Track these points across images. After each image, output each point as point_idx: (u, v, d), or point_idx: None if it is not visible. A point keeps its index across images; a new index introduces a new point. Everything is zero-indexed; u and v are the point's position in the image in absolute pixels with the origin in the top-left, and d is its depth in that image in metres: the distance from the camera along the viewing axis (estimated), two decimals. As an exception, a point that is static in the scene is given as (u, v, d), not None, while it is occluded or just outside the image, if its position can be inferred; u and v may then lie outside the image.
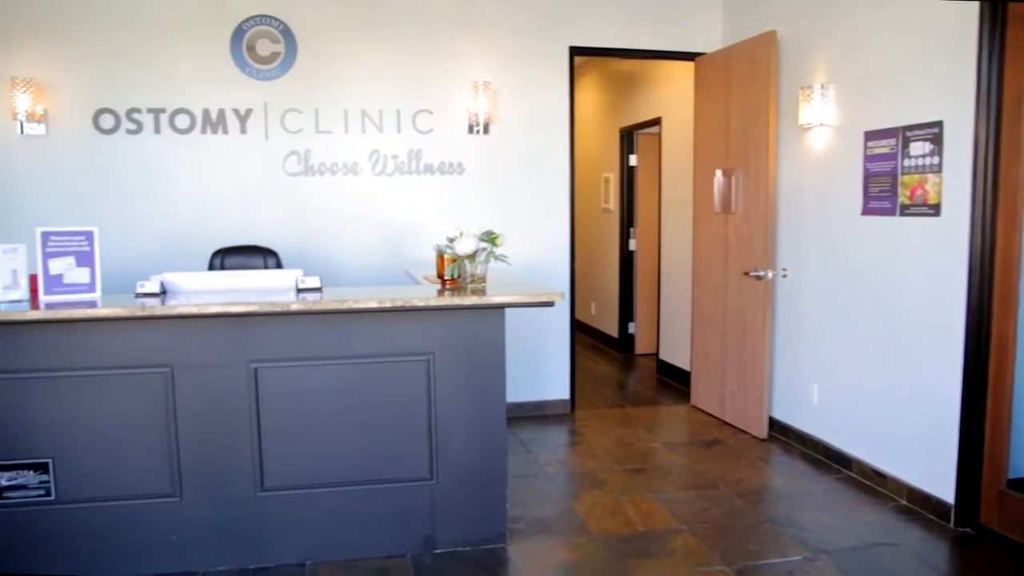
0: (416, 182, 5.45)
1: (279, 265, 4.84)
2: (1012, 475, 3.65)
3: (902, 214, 4.04)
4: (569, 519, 3.93)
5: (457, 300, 3.38)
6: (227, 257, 4.81)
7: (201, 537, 3.36)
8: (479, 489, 3.56)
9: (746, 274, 5.18)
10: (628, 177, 7.94)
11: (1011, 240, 3.55)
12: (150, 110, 5.05)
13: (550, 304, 3.36)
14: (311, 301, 3.21)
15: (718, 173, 5.50)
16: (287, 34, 5.18)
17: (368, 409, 3.45)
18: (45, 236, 3.27)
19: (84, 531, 3.28)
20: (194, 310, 3.09)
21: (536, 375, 5.76)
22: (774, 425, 5.20)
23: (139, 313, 3.07)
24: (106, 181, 5.03)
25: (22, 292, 3.23)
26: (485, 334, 3.50)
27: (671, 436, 5.32)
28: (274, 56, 5.17)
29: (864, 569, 3.40)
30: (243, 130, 5.19)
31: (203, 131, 5.13)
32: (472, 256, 3.53)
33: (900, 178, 4.04)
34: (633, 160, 7.88)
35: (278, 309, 3.15)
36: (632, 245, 7.97)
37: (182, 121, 5.09)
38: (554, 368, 5.82)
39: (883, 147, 4.15)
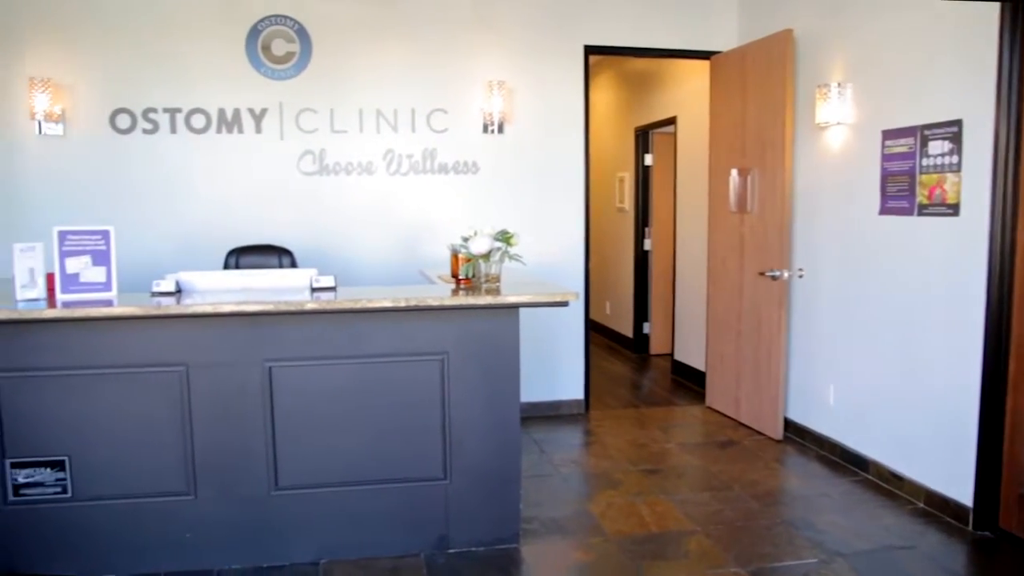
0: (431, 181, 5.45)
1: (294, 264, 4.85)
2: (1032, 478, 3.61)
3: (920, 214, 4.00)
4: (583, 520, 3.92)
5: (471, 300, 3.37)
6: (242, 256, 4.83)
7: (216, 535, 3.38)
8: (493, 489, 3.56)
9: (762, 274, 5.15)
10: (643, 176, 7.91)
11: (1031, 240, 3.51)
12: (166, 110, 5.07)
13: (564, 304, 3.35)
14: (325, 300, 3.21)
15: (734, 172, 5.46)
16: (302, 34, 5.19)
17: (382, 409, 3.45)
18: (62, 235, 3.29)
19: (100, 528, 3.30)
20: (209, 309, 3.10)
21: (550, 375, 5.74)
22: (789, 426, 5.17)
23: (154, 312, 3.08)
24: (122, 181, 5.06)
25: (39, 291, 3.24)
26: (499, 334, 3.49)
27: (686, 437, 5.30)
28: (289, 56, 5.19)
29: (881, 573, 3.37)
30: (258, 130, 5.20)
31: (218, 131, 5.15)
32: (486, 256, 3.52)
33: (918, 177, 4.00)
34: (648, 159, 7.85)
35: (292, 308, 3.16)
36: (647, 245, 7.95)
37: (198, 121, 5.11)
38: (568, 368, 5.80)
39: (901, 146, 4.11)
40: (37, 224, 4.74)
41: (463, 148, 5.48)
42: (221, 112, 5.14)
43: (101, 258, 3.32)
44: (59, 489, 3.25)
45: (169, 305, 3.10)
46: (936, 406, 3.95)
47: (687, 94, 6.74)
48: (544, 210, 5.61)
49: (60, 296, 3.25)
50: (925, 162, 3.95)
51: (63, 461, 3.25)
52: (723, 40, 5.76)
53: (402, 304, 3.25)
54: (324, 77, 5.25)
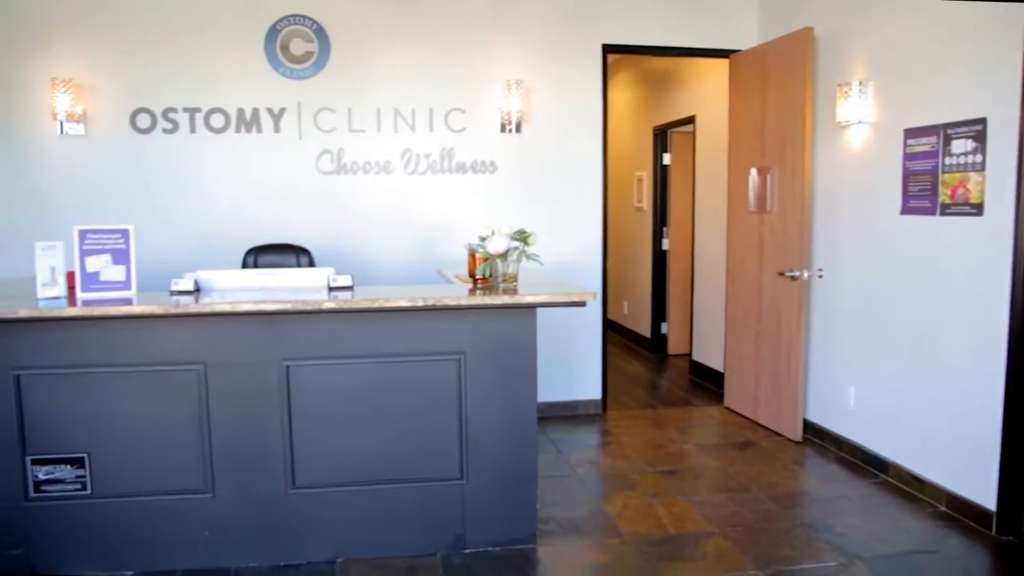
0: (448, 181, 5.45)
1: (311, 263, 4.86)
2: (1056, 482, 3.57)
3: (943, 213, 3.96)
4: (600, 520, 3.90)
5: (489, 299, 3.37)
6: (260, 255, 4.85)
7: (233, 533, 3.39)
8: (509, 489, 3.55)
9: (781, 274, 5.11)
10: (661, 176, 7.88)
11: (1057, 241, 3.46)
12: (186, 109, 5.10)
13: (582, 304, 3.34)
14: (343, 300, 3.21)
15: (753, 172, 5.43)
16: (320, 33, 5.20)
17: (399, 408, 3.45)
18: (82, 234, 3.31)
19: (119, 525, 3.32)
20: (227, 308, 3.12)
21: (568, 375, 5.73)
22: (809, 428, 5.12)
23: (173, 311, 3.10)
24: (142, 180, 5.10)
25: (60, 289, 3.27)
26: (516, 333, 3.48)
27: (703, 438, 5.27)
28: (307, 55, 5.20)
29: (902, 576, 3.33)
30: (276, 129, 5.22)
31: (237, 130, 5.17)
32: (504, 255, 3.51)
33: (941, 176, 3.95)
34: (667, 159, 7.82)
35: (310, 307, 3.17)
36: (665, 244, 7.91)
37: (217, 120, 5.14)
38: (586, 368, 5.79)
39: (923, 145, 4.06)
40: (58, 223, 4.78)
41: (481, 147, 5.47)
42: (240, 112, 5.16)
43: (121, 257, 3.34)
44: (79, 486, 3.28)
45: (188, 304, 3.11)
46: (959, 408, 3.90)
47: (706, 93, 6.70)
48: (562, 209, 5.59)
49: (80, 294, 3.27)
50: (948, 161, 3.90)
51: (83, 458, 3.27)
52: (743, 39, 5.72)
53: (419, 304, 3.25)
54: (342, 76, 5.26)
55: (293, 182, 5.27)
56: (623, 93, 8.72)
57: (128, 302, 3.16)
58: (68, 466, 3.27)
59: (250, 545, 3.40)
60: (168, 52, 5.06)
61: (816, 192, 5.01)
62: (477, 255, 3.60)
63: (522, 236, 3.53)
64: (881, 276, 4.44)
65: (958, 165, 3.84)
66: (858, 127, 4.60)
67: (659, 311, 8.02)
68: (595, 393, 5.83)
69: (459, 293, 3.49)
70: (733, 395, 5.86)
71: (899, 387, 4.31)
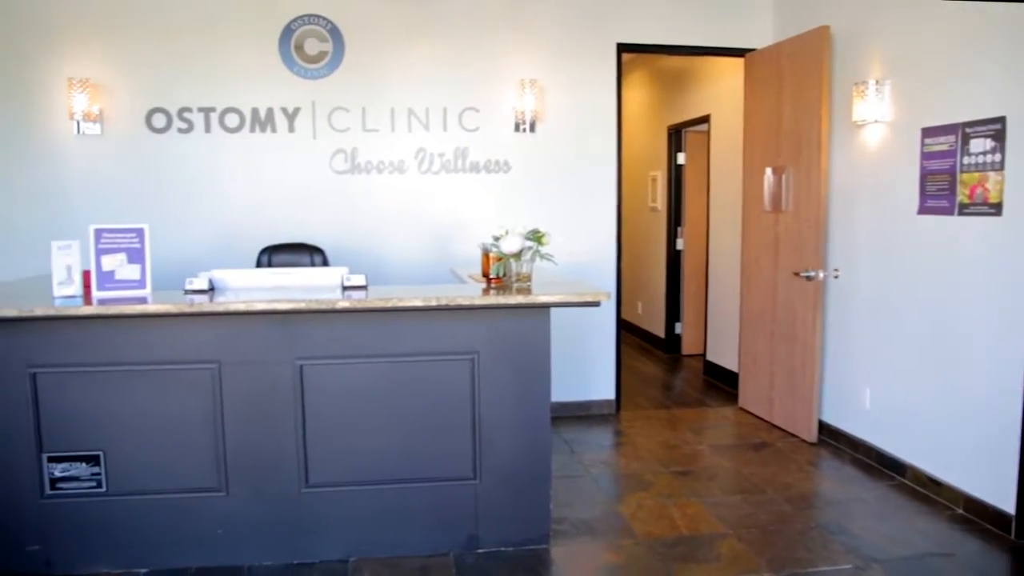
0: (462, 180, 5.45)
1: (325, 263, 4.87)
2: (1076, 485, 3.52)
3: (961, 213, 3.92)
4: (613, 521, 3.89)
5: (502, 299, 3.36)
6: (274, 255, 4.87)
7: (246, 531, 3.40)
8: (523, 489, 3.54)
9: (796, 274, 5.08)
10: (676, 175, 7.85)
11: (1077, 241, 3.42)
12: (200, 109, 5.12)
13: (596, 304, 3.32)
14: (357, 299, 3.22)
15: (768, 171, 5.40)
16: (335, 33, 5.21)
17: (412, 407, 3.45)
18: (98, 233, 3.33)
19: (133, 522, 3.34)
20: (242, 307, 3.13)
21: (581, 375, 5.71)
22: (824, 429, 5.09)
23: (188, 310, 3.11)
24: (157, 179, 5.13)
25: (76, 288, 3.29)
26: (530, 333, 3.47)
27: (718, 438, 5.24)
28: (322, 55, 5.21)
29: (918, 579, 3.30)
30: (291, 129, 5.24)
31: (252, 130, 5.19)
32: (518, 255, 3.50)
33: (959, 176, 3.91)
34: (681, 158, 7.79)
35: (324, 307, 3.17)
36: (679, 244, 7.88)
37: (231, 120, 5.16)
38: (599, 368, 5.77)
39: (941, 144, 4.02)
40: (74, 222, 4.82)
41: (495, 147, 5.47)
42: (254, 111, 5.18)
43: (136, 256, 3.36)
44: (94, 483, 3.30)
45: (202, 303, 3.12)
46: (977, 410, 3.86)
47: (721, 92, 6.67)
48: (576, 209, 5.58)
49: (96, 293, 3.29)
50: (966, 160, 3.86)
51: (98, 456, 3.29)
52: (758, 37, 5.69)
53: (433, 303, 3.25)
54: (356, 76, 5.27)
55: (307, 182, 5.28)
56: (637, 92, 8.70)
57: (143, 301, 3.17)
58: (84, 464, 3.29)
59: (263, 543, 3.41)
60: (183, 52, 5.08)
61: (832, 192, 4.98)
62: (491, 255, 3.60)
63: (536, 236, 3.52)
64: (898, 276, 4.40)
65: (976, 164, 3.80)
66: (875, 126, 4.56)
67: (673, 311, 7.99)
68: (609, 393, 5.81)
69: (473, 293, 3.48)
70: (747, 396, 5.83)
71: (916, 388, 4.28)
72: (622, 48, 5.58)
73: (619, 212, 5.67)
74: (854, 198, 4.79)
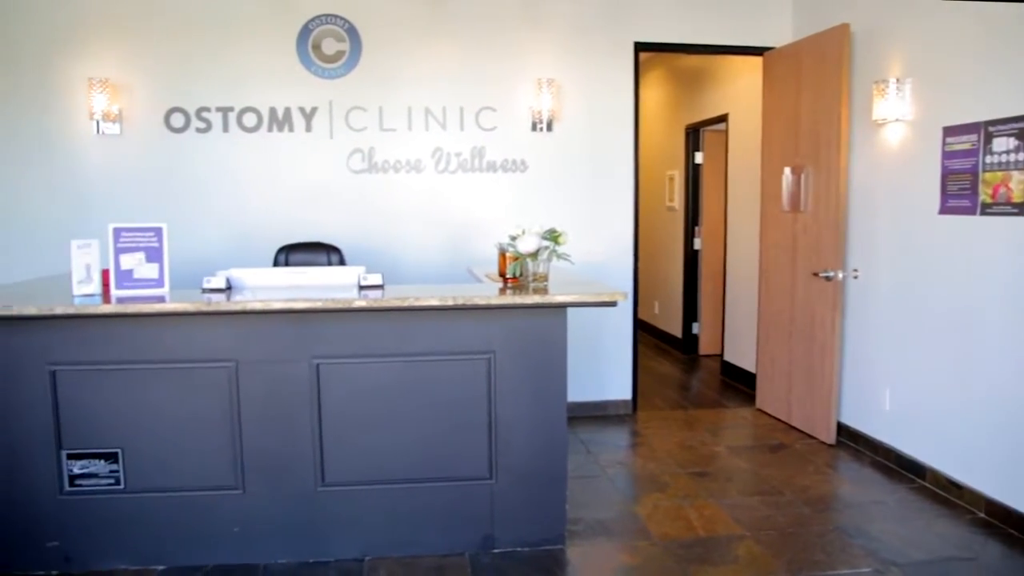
0: (479, 180, 5.44)
1: (342, 262, 4.88)
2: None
3: (983, 213, 3.87)
4: (629, 522, 3.87)
5: (519, 299, 3.35)
6: (291, 254, 4.88)
7: (263, 530, 3.41)
8: (538, 489, 3.53)
9: (815, 274, 5.04)
10: (693, 175, 7.81)
11: (1102, 241, 3.37)
12: (219, 109, 5.15)
13: (612, 304, 3.31)
14: (373, 298, 3.22)
15: (787, 171, 5.36)
16: (352, 33, 5.22)
17: (428, 407, 3.45)
18: (117, 232, 3.35)
19: (151, 520, 3.35)
20: (259, 306, 3.14)
21: (598, 375, 5.70)
22: (842, 430, 5.05)
23: (205, 308, 3.12)
24: (176, 179, 5.16)
25: (95, 286, 3.31)
26: (546, 333, 3.46)
27: (735, 440, 5.21)
28: (339, 55, 5.23)
29: (939, 583, 3.27)
30: (308, 128, 5.25)
31: (269, 129, 5.21)
32: (534, 254, 3.49)
33: (981, 175, 3.87)
34: (699, 158, 7.75)
35: (341, 306, 3.17)
36: (697, 244, 7.84)
37: (249, 119, 5.18)
38: (616, 368, 5.75)
39: (963, 143, 3.98)
40: (94, 221, 4.85)
41: (511, 146, 5.46)
42: (272, 111, 5.20)
43: (154, 255, 3.38)
44: (112, 480, 3.32)
45: (220, 302, 3.13)
46: (998, 412, 3.81)
47: (739, 91, 6.63)
48: (593, 209, 5.56)
49: (114, 292, 3.31)
50: (989, 159, 3.81)
51: (116, 453, 3.31)
52: (776, 36, 5.65)
53: (449, 303, 3.24)
54: (373, 75, 5.28)
55: (324, 181, 5.30)
56: (655, 91, 8.66)
57: (161, 300, 3.19)
58: (102, 461, 3.31)
59: (279, 541, 3.42)
60: (202, 52, 5.11)
61: (851, 191, 4.93)
62: (507, 254, 3.59)
63: (553, 235, 3.51)
64: (918, 277, 4.36)
65: (999, 164, 3.75)
66: (895, 125, 4.52)
67: (690, 311, 7.96)
68: (625, 393, 5.79)
69: (489, 292, 3.47)
70: (765, 396, 5.79)
71: (936, 390, 4.23)
72: (640, 47, 5.56)
73: (636, 211, 5.65)
74: (874, 198, 4.74)
